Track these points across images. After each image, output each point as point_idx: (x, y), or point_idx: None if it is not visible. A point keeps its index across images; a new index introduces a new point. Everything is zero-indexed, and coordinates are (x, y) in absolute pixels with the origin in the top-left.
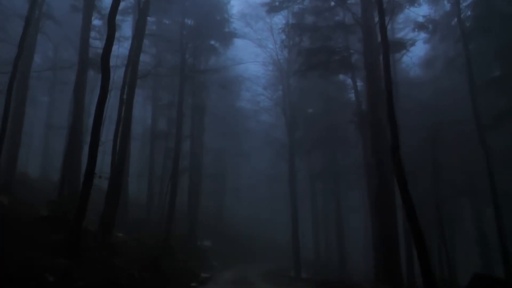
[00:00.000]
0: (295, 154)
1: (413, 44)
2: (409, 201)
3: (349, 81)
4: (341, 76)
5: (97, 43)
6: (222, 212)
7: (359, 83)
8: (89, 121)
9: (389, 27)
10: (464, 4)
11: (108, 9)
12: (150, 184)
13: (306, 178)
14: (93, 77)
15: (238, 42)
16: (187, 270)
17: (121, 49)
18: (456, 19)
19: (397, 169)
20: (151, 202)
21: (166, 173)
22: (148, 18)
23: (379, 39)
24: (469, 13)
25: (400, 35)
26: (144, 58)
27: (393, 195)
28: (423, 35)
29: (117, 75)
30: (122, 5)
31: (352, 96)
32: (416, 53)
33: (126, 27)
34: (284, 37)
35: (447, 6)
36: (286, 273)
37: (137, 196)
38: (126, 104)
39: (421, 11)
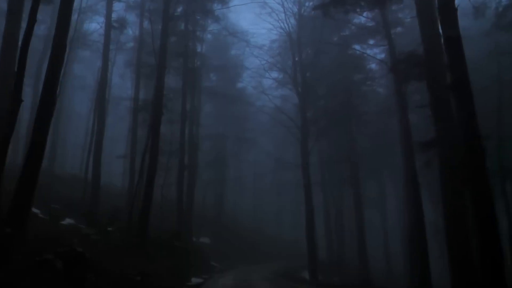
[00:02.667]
0: (307, 135)
1: None
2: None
3: (368, 51)
4: (358, 47)
5: None
6: (222, 205)
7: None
8: None
9: None
10: None
11: None
12: (132, 166)
13: (316, 167)
14: None
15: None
16: (173, 274)
17: None
18: None
19: (473, 148)
20: (133, 188)
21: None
22: None
23: None
24: None
25: None
26: None
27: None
28: None
29: None
30: None
31: (372, 66)
32: None
33: None
34: None
35: None
36: (297, 275)
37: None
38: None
39: None
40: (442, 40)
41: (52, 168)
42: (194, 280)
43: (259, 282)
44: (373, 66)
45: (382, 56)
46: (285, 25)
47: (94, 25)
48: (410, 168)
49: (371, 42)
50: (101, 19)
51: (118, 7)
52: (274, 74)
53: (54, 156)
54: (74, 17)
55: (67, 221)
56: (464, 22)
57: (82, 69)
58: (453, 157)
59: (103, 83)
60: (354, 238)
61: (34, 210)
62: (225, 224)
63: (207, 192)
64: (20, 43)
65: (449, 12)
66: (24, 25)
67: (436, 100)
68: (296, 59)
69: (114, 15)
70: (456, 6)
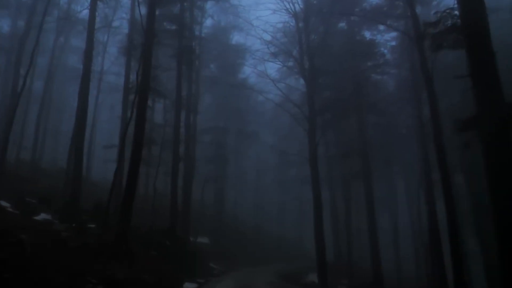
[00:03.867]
0: (315, 124)
1: None
2: None
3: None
4: (368, 34)
5: None
6: (222, 202)
7: None
8: None
9: None
10: None
11: None
12: (121, 156)
13: (323, 162)
14: None
15: None
16: (160, 279)
17: None
18: None
19: None
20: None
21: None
22: None
23: None
24: None
25: None
26: None
27: None
28: None
29: None
30: None
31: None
32: None
33: None
34: None
35: None
36: (304, 277)
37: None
38: None
39: None
40: None
41: (39, 161)
42: (187, 286)
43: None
44: (385, 51)
45: (393, 43)
46: (291, 6)
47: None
48: (440, 152)
49: (383, 27)
50: None
51: None
52: (279, 60)
53: (41, 149)
54: None
55: (42, 216)
56: None
57: (75, 60)
58: (500, 134)
59: (87, 63)
60: (362, 237)
61: (3, 203)
62: (225, 222)
63: (206, 189)
64: None
65: None
66: None
67: (478, 65)
68: (303, 42)
69: None
70: None
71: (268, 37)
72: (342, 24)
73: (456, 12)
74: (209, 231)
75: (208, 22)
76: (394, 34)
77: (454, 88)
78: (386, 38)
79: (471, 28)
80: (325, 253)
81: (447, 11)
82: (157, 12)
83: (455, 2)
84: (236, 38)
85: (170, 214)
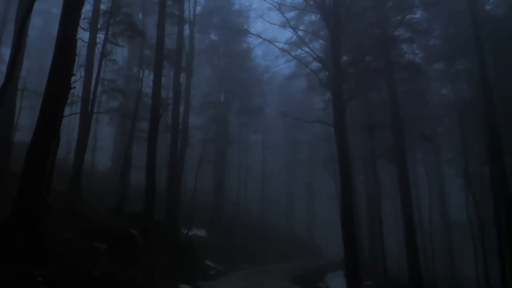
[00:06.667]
0: (341, 84)
1: None
2: None
3: None
4: None
5: None
6: (222, 190)
7: None
8: None
9: None
10: None
11: None
12: None
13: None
14: None
15: None
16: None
17: None
18: None
19: None
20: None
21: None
22: None
23: None
24: None
25: None
26: None
27: None
28: None
29: None
30: None
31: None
32: None
33: None
34: None
35: None
36: (324, 281)
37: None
38: None
39: None
40: None
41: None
42: None
43: None
44: None
45: None
46: None
47: None
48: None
49: None
50: None
51: None
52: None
53: None
54: None
55: None
56: None
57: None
58: None
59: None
60: (390, 231)
61: None
62: (226, 213)
63: (205, 174)
64: None
65: None
66: None
67: None
68: None
69: None
70: None
71: None
72: None
73: None
74: (207, 223)
75: None
76: None
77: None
78: None
79: None
80: (357, 249)
81: None
82: None
83: None
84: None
85: (146, 191)
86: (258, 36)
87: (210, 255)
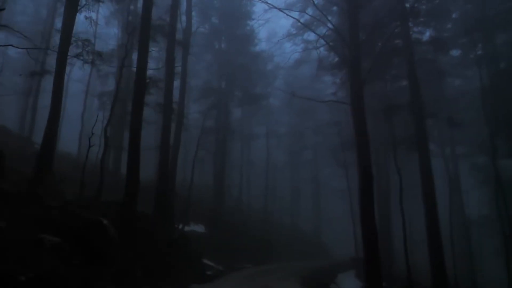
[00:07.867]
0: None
1: None
2: None
3: None
4: None
5: None
6: (223, 185)
7: None
8: None
9: None
10: None
11: None
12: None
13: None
14: None
15: None
16: None
17: None
18: None
19: None
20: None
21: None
22: None
23: None
24: None
25: None
26: None
27: None
28: None
29: None
30: None
31: None
32: None
33: None
34: None
35: None
36: (335, 283)
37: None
38: None
39: None
40: None
41: None
42: None
43: None
44: None
45: None
46: None
47: None
48: None
49: None
50: None
51: None
52: None
53: None
54: None
55: None
56: None
57: None
58: None
59: None
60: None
61: None
62: (227, 208)
63: (205, 168)
64: None
65: None
66: None
67: None
68: None
69: None
70: None
71: None
72: None
73: None
74: (206, 218)
75: None
76: None
77: None
78: None
79: None
80: (377, 246)
81: None
82: None
83: None
84: None
85: (127, 173)
86: (266, 2)
87: (208, 253)
